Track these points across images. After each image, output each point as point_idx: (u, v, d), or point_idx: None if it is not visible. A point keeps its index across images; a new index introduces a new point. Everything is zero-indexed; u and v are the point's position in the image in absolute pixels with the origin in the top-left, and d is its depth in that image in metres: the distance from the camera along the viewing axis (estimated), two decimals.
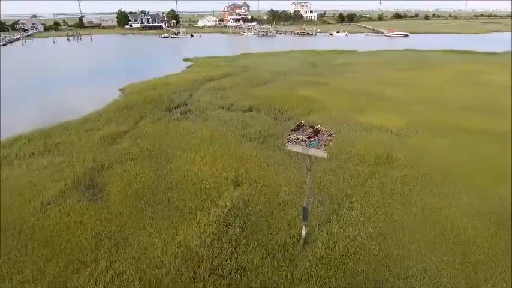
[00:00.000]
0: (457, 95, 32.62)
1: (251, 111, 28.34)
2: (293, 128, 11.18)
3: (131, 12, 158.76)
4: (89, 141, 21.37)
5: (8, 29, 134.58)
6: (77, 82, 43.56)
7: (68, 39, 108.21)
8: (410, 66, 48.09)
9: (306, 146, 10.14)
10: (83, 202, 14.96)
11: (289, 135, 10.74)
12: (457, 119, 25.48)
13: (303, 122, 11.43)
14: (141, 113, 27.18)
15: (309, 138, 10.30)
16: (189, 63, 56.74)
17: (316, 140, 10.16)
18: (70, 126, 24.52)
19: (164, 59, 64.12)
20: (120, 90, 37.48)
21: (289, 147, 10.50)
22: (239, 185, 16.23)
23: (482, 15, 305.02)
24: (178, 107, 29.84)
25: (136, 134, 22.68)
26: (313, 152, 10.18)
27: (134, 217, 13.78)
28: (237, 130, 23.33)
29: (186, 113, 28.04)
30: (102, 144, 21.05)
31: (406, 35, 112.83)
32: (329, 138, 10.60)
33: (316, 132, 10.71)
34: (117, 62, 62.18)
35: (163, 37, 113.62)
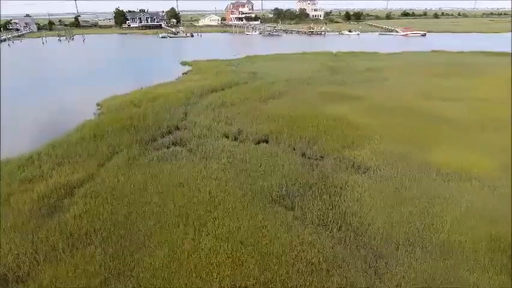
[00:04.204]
0: None
1: (266, 141, 20.42)
2: None
3: (129, 11, 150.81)
4: (18, 207, 13.45)
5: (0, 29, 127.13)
6: (48, 93, 35.74)
7: (59, 40, 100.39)
8: (451, 72, 39.96)
9: None
10: None
11: None
12: None
13: None
14: (112, 146, 19.27)
15: None
16: (187, 68, 48.89)
17: None
18: (4, 170, 16.68)
19: (158, 63, 56.04)
20: (98, 105, 29.65)
21: None
22: None
23: (492, 13, 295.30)
24: (168, 133, 21.98)
25: (95, 189, 14.75)
26: None
27: None
28: (249, 180, 15.39)
29: (176, 144, 20.15)
30: (38, 212, 13.15)
31: (423, 35, 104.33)
32: None
33: None
34: (103, 67, 54.19)
35: (161, 37, 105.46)
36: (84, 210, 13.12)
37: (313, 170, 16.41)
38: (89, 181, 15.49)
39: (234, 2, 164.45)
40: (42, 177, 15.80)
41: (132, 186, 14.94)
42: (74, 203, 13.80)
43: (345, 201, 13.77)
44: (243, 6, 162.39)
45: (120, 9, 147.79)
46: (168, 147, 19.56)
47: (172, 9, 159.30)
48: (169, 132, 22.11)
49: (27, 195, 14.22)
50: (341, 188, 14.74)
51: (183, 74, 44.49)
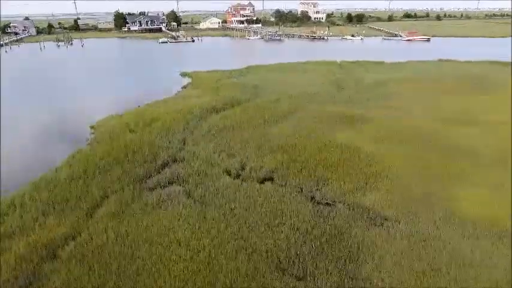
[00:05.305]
0: None
1: (272, 179, 18.77)
2: None
3: (129, 14, 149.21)
4: None
5: None
6: (40, 109, 34.11)
7: (58, 45, 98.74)
8: (463, 88, 38.08)
9: None
10: None
11: None
12: None
13: None
14: (103, 187, 17.62)
15: None
16: (186, 80, 47.24)
17: None
18: None
19: (157, 75, 53.61)
20: (91, 128, 28.05)
21: None
22: None
23: (494, 15, 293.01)
24: (164, 167, 20.35)
25: (81, 250, 13.07)
26: None
27: None
28: (253, 237, 13.73)
29: (173, 182, 18.50)
30: (14, 283, 11.53)
31: (428, 39, 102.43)
32: None
33: None
34: (100, 79, 52.44)
35: (161, 42, 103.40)
36: (67, 282, 11.48)
37: (324, 222, 14.74)
38: (75, 237, 13.84)
39: (235, 3, 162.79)
40: (23, 231, 14.14)
41: (123, 245, 13.28)
42: (55, 269, 12.15)
43: (362, 268, 12.10)
44: (244, 9, 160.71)
45: (120, 11, 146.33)
46: (163, 187, 17.93)
47: (173, 11, 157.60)
48: (165, 166, 20.46)
49: (4, 258, 12.58)
50: (357, 248, 13.07)
51: (182, 87, 42.81)
